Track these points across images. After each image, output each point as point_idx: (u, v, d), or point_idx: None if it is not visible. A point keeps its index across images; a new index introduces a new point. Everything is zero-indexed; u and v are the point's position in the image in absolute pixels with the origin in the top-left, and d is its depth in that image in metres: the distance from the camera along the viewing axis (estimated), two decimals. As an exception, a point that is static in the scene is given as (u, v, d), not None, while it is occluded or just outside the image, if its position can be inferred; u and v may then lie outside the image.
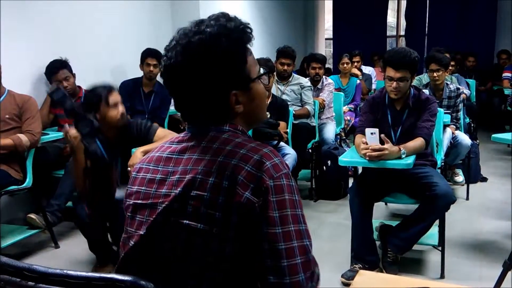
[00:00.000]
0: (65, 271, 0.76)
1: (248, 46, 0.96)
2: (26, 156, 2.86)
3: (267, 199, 0.85)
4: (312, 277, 0.90)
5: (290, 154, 3.25)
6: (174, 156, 0.96)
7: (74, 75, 3.37)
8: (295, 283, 0.85)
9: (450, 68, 4.88)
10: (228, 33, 0.92)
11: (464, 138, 3.65)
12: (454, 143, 3.62)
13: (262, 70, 1.01)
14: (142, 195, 0.96)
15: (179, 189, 0.90)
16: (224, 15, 0.95)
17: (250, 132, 3.28)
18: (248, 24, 0.96)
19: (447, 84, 3.75)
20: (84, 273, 0.76)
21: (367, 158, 2.30)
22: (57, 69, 3.28)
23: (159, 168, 0.96)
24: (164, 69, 0.95)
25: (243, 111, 0.96)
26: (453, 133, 3.64)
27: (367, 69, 6.09)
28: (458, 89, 3.75)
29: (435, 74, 3.62)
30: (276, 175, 0.87)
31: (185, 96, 0.95)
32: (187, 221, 0.88)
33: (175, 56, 0.92)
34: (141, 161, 1.02)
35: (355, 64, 5.68)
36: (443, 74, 3.65)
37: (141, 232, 0.94)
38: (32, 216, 2.92)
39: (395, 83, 2.45)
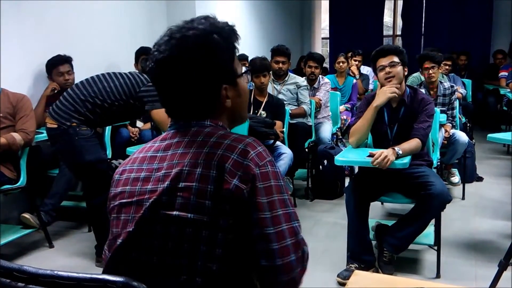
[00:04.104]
0: (55, 272, 0.75)
1: (236, 44, 1.00)
2: (20, 155, 2.84)
3: (254, 185, 0.88)
4: (303, 257, 0.93)
5: (286, 154, 3.24)
6: (158, 154, 0.97)
7: (73, 73, 3.39)
8: (286, 264, 0.88)
9: (447, 68, 4.91)
10: (219, 31, 0.96)
11: (461, 135, 3.65)
12: (451, 141, 3.62)
13: (243, 69, 1.06)
14: (127, 194, 0.96)
15: (166, 183, 0.91)
16: (212, 16, 1.00)
17: (246, 131, 3.26)
18: (234, 25, 1.01)
19: (440, 82, 3.78)
20: (75, 274, 0.75)
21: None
22: (61, 61, 3.32)
23: (143, 167, 0.97)
24: (156, 63, 0.96)
25: (230, 106, 1.00)
26: (447, 131, 3.64)
27: (365, 69, 6.08)
28: (452, 86, 3.77)
29: (430, 72, 3.65)
30: (262, 163, 0.90)
31: (176, 89, 0.96)
32: (177, 213, 0.89)
33: (170, 49, 0.94)
34: (124, 164, 1.02)
35: (357, 63, 5.67)
36: (437, 71, 3.69)
37: (129, 229, 0.94)
38: (26, 215, 2.90)
39: (387, 68, 2.49)
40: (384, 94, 2.48)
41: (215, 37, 0.94)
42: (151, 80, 1.01)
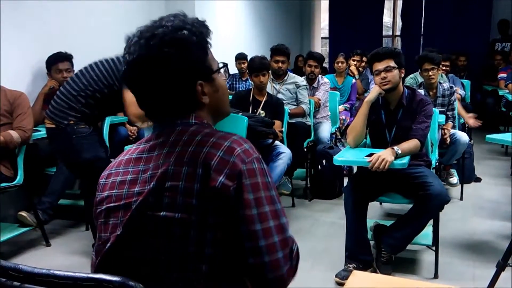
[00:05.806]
0: (51, 271, 0.75)
1: (208, 39, 0.98)
2: (17, 153, 2.82)
3: (241, 182, 0.87)
4: (291, 254, 0.92)
5: (285, 153, 3.23)
6: (143, 155, 0.96)
7: (73, 71, 3.37)
8: (274, 262, 0.88)
9: (446, 68, 4.90)
10: (190, 26, 0.94)
11: (462, 135, 3.64)
12: (452, 140, 3.61)
13: (220, 65, 1.03)
14: (114, 198, 0.95)
15: (152, 183, 0.90)
16: (182, 13, 0.98)
17: (245, 130, 3.24)
18: (205, 20, 0.99)
19: (440, 82, 3.77)
20: (71, 273, 0.74)
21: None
22: (61, 58, 3.31)
23: (129, 169, 0.96)
24: (127, 65, 0.94)
25: (209, 102, 0.98)
26: (446, 130, 3.63)
27: (368, 70, 6.08)
28: (451, 87, 3.77)
29: (430, 73, 3.64)
30: (248, 160, 0.89)
31: (150, 89, 0.94)
32: (164, 213, 0.87)
33: (138, 49, 0.92)
34: (109, 167, 1.01)
35: (355, 63, 5.66)
36: (437, 72, 3.68)
37: (117, 232, 0.92)
38: (23, 213, 2.89)
39: (382, 73, 2.49)
40: (376, 89, 2.53)
41: (185, 32, 0.92)
42: (125, 84, 0.99)
